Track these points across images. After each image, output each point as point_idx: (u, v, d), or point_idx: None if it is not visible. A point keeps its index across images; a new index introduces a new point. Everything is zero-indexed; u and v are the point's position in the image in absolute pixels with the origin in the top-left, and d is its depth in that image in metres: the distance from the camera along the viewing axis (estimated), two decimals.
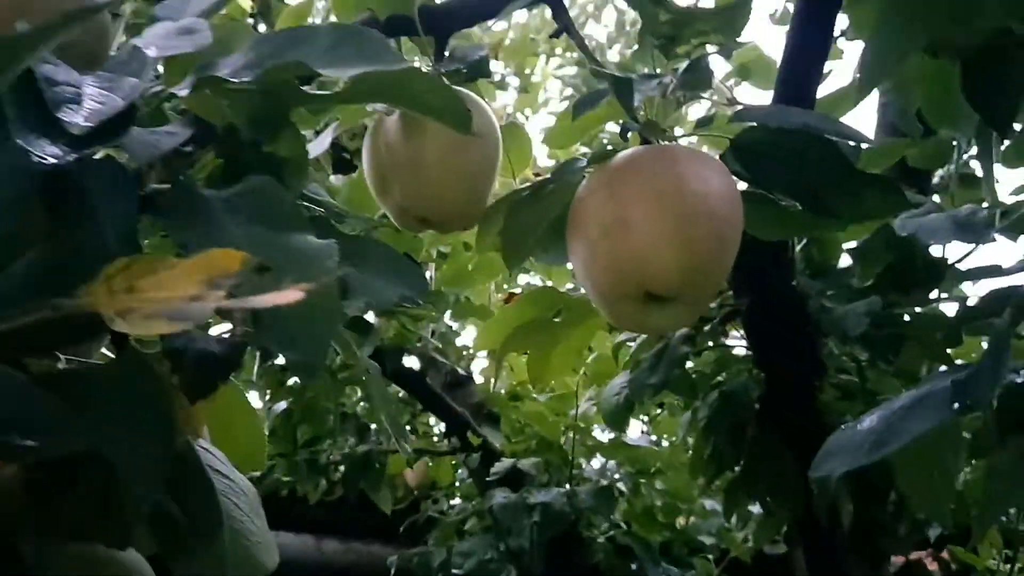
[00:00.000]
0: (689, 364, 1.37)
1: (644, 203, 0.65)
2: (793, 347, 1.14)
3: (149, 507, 0.36)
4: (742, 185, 0.76)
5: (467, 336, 2.11)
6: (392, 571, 1.70)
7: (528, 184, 0.73)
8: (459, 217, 0.77)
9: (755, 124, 0.74)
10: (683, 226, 0.64)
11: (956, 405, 0.54)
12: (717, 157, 0.73)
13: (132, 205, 0.43)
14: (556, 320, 0.99)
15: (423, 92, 0.54)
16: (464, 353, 2.05)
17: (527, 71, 3.39)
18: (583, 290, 0.72)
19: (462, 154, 0.73)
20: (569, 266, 0.78)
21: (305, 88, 0.53)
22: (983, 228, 0.96)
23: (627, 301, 0.67)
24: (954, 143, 1.33)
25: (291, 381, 1.83)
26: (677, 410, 1.73)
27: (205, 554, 0.43)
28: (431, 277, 2.04)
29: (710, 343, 1.32)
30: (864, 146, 0.98)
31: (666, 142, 0.72)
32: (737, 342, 1.39)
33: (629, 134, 0.72)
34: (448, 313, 1.92)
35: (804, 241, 1.18)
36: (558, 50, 3.45)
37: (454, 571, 1.52)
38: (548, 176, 0.71)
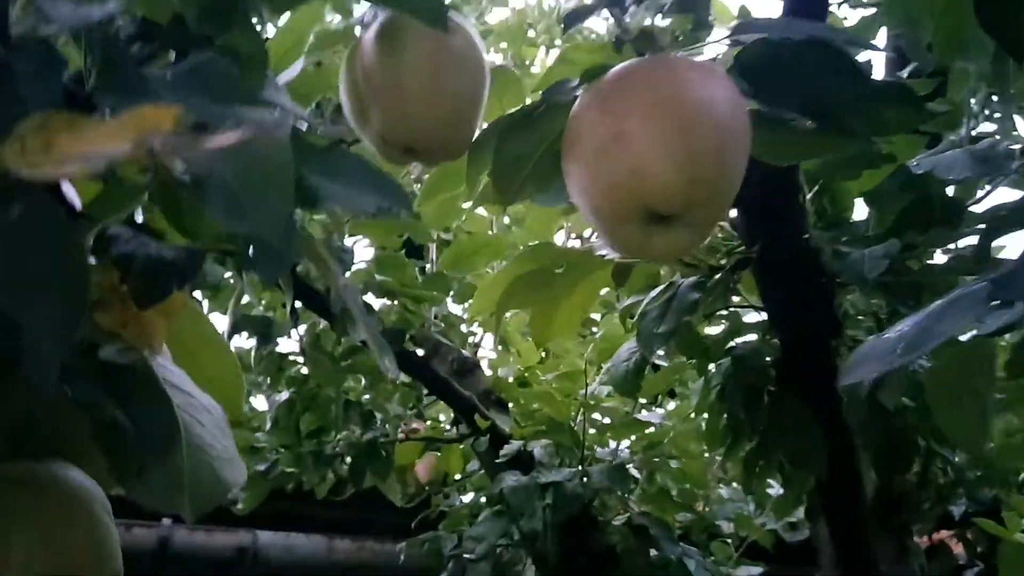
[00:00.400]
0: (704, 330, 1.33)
1: (641, 114, 0.60)
2: (808, 301, 1.09)
3: (55, 374, 0.31)
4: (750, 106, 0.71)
5: (474, 324, 2.06)
6: (402, 559, 1.65)
7: (517, 108, 0.68)
8: (445, 145, 0.72)
9: (760, 38, 0.69)
10: (685, 136, 0.59)
11: (994, 302, 0.49)
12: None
13: (57, 91, 0.39)
14: (558, 273, 0.95)
15: None
16: (470, 340, 2.00)
17: (527, 62, 3.34)
18: (584, 217, 0.67)
19: (445, 75, 0.68)
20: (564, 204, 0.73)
21: None
22: (1003, 161, 0.91)
23: (629, 224, 0.62)
24: (971, 100, 1.28)
25: (292, 371, 1.79)
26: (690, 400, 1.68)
27: (160, 470, 0.39)
28: (433, 260, 2.01)
29: (722, 309, 1.28)
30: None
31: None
32: (748, 310, 1.35)
33: (623, 47, 0.67)
34: (451, 299, 1.88)
35: (815, 190, 1.13)
36: (558, 41, 3.40)
37: (466, 555, 1.47)
38: (538, 99, 0.67)
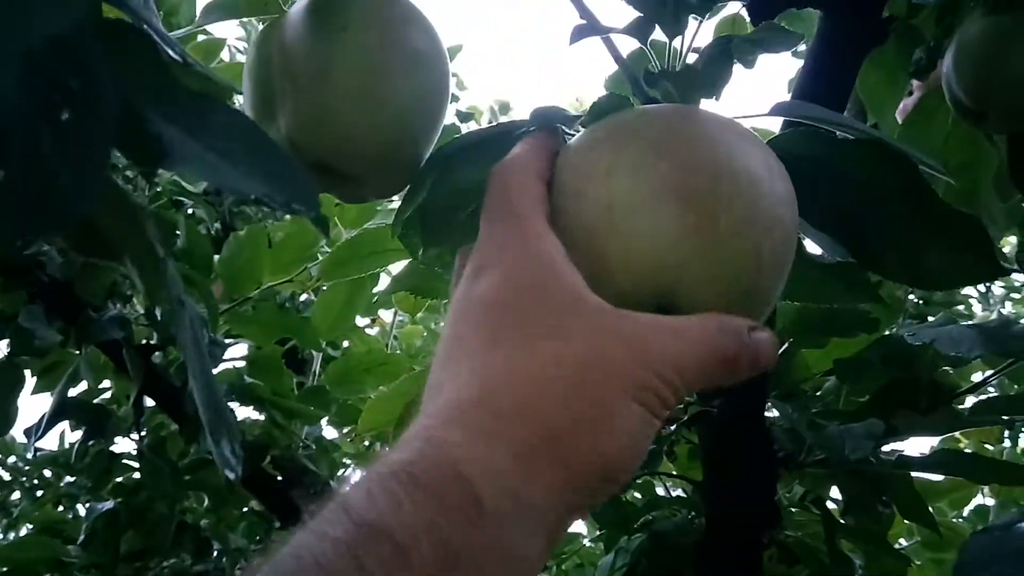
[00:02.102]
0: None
1: (664, 175, 0.42)
2: (752, 478, 0.92)
3: None
4: None
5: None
6: None
7: (480, 128, 0.49)
8: (378, 168, 0.51)
9: (800, 125, 0.53)
10: (710, 212, 0.41)
11: None
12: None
13: None
14: None
15: None
16: (340, 472, 1.76)
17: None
18: None
19: (393, 72, 0.49)
20: None
21: None
22: (1021, 340, 0.77)
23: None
24: None
25: (123, 476, 1.51)
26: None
27: None
28: (315, 374, 1.78)
29: (648, 474, 1.10)
30: None
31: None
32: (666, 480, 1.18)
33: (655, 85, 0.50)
34: (327, 420, 1.66)
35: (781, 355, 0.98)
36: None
37: None
38: (513, 120, 0.48)
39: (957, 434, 1.52)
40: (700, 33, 0.58)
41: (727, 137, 0.45)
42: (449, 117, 2.28)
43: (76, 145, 0.24)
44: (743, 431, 0.87)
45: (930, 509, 1.02)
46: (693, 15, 0.52)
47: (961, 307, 2.02)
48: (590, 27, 0.48)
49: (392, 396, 0.81)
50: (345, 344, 1.97)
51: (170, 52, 0.34)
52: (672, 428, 0.85)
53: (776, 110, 0.54)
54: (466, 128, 2.27)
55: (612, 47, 0.57)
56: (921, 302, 1.71)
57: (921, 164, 0.51)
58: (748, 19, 0.80)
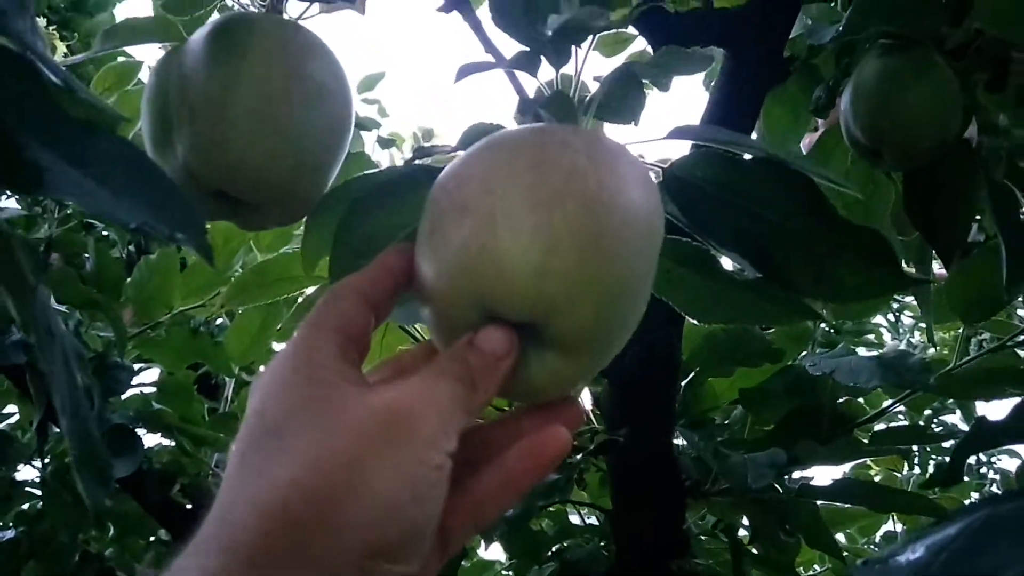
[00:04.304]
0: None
1: (497, 182, 0.41)
2: (660, 507, 0.93)
3: None
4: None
5: None
6: None
7: (380, 170, 0.49)
8: (273, 198, 0.50)
9: (698, 150, 0.55)
10: (539, 211, 0.40)
11: None
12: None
13: None
14: None
15: None
16: None
17: None
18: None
19: (291, 100, 0.48)
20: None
21: None
22: (918, 374, 0.80)
23: (466, 329, 0.42)
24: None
25: (25, 504, 1.46)
26: None
27: None
28: (228, 400, 1.74)
29: (558, 502, 1.10)
30: None
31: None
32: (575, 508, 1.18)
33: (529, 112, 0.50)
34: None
35: (687, 384, 0.99)
36: None
37: None
38: (417, 163, 0.48)
39: (869, 460, 1.56)
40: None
41: (577, 141, 0.45)
42: (369, 145, 2.27)
43: None
44: (650, 460, 0.88)
45: (837, 536, 1.04)
46: (574, 44, 0.52)
47: (871, 336, 2.07)
48: (475, 65, 0.49)
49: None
50: (261, 369, 1.93)
51: (53, 78, 0.33)
52: (579, 457, 0.85)
53: (675, 133, 0.55)
54: (387, 155, 2.26)
55: (514, 79, 0.58)
56: (832, 331, 1.75)
57: (823, 179, 0.53)
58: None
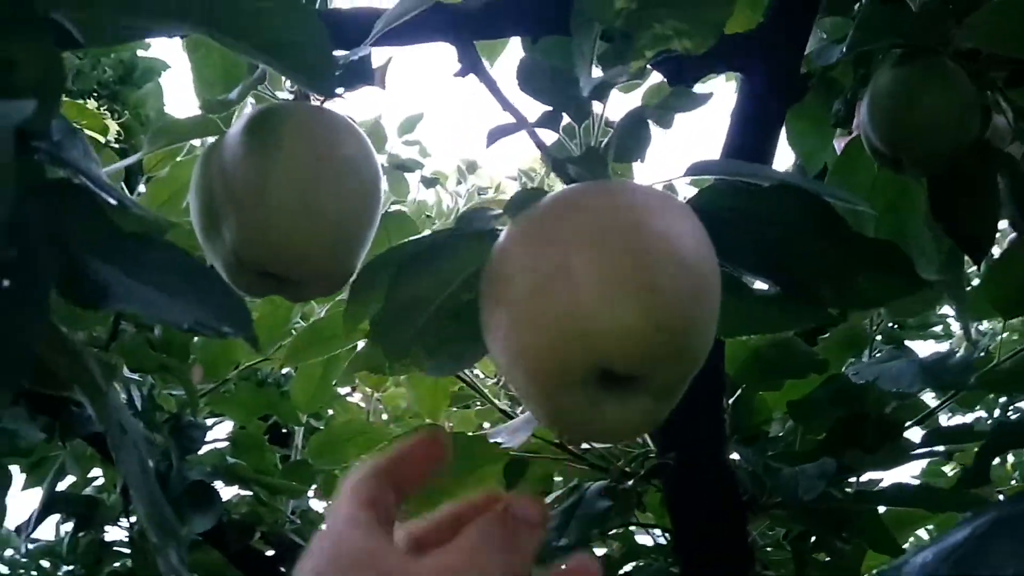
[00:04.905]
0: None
1: (588, 243, 0.45)
2: (721, 525, 0.95)
3: None
4: None
5: None
6: None
7: (419, 237, 0.53)
8: (316, 274, 0.55)
9: (718, 180, 0.58)
10: (646, 271, 0.44)
11: None
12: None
13: None
14: None
15: (266, 14, 0.35)
16: None
17: None
18: (511, 386, 0.50)
19: (325, 185, 0.53)
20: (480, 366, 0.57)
21: None
22: (959, 375, 0.81)
23: (573, 389, 0.46)
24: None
25: (116, 564, 1.52)
26: None
27: None
28: (298, 448, 1.79)
29: (621, 526, 1.12)
30: None
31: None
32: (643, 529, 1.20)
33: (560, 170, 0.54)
34: (312, 492, 1.67)
35: (733, 399, 1.01)
36: None
37: None
38: (451, 227, 0.52)
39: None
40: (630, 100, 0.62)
41: (648, 201, 0.49)
42: (413, 185, 2.32)
43: (15, 306, 0.28)
44: (704, 477, 0.90)
45: (919, 533, 1.04)
46: (600, 100, 0.55)
47: (938, 327, 2.05)
48: (502, 128, 0.53)
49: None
50: (330, 413, 1.99)
51: (107, 198, 0.37)
52: (630, 483, 0.87)
53: (691, 170, 0.58)
54: (432, 193, 2.31)
55: (534, 135, 0.61)
56: (896, 326, 1.74)
57: (838, 200, 0.56)
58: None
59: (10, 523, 1.36)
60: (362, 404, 2.14)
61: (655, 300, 0.44)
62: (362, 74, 0.57)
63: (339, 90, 0.56)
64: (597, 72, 0.58)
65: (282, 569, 1.56)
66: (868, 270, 0.54)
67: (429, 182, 2.28)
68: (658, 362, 0.45)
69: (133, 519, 1.52)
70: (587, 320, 0.44)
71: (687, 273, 0.45)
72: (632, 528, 1.22)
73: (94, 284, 0.34)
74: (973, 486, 0.72)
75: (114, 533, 1.58)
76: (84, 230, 0.35)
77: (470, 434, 0.83)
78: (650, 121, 0.67)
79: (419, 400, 1.07)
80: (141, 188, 1.32)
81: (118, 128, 1.42)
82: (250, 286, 0.56)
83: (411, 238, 0.54)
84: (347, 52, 0.55)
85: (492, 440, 0.82)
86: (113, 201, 0.38)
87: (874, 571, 1.38)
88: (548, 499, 0.90)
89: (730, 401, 1.00)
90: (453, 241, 0.52)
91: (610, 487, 0.83)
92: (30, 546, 1.96)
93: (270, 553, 1.55)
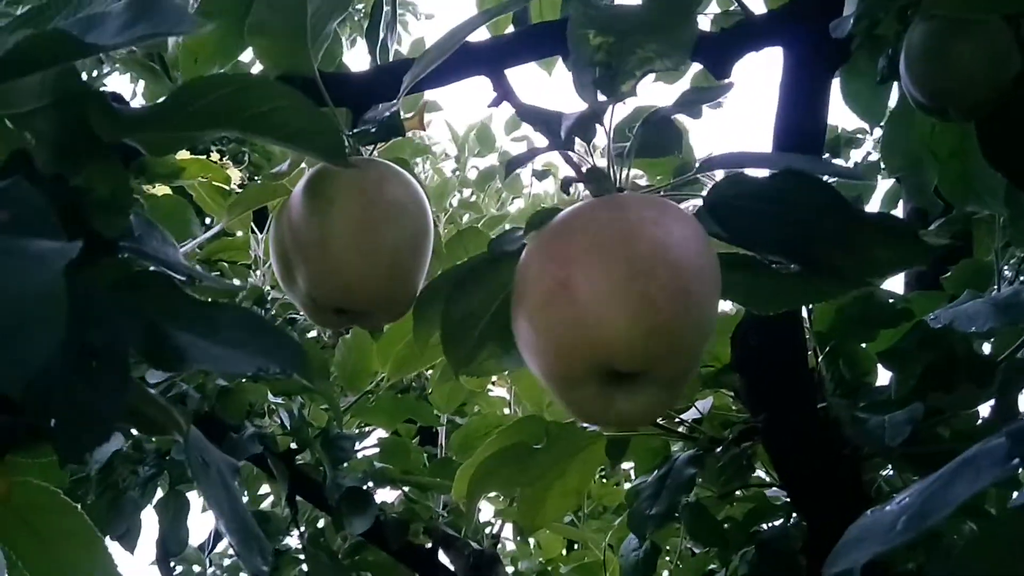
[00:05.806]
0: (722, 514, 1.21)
1: (587, 258, 0.52)
2: (830, 477, 0.98)
3: None
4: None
5: (487, 511, 1.95)
6: None
7: (463, 262, 0.61)
8: (379, 305, 0.64)
9: (729, 174, 0.63)
10: (637, 278, 0.51)
11: (1014, 460, 0.40)
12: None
13: None
14: (538, 449, 0.85)
15: (280, 111, 0.44)
16: (487, 531, 1.88)
17: None
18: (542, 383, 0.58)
19: (376, 228, 0.61)
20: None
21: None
22: None
23: (585, 385, 0.53)
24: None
25: (293, 570, 1.67)
26: None
27: None
28: (442, 446, 1.90)
29: (739, 488, 1.16)
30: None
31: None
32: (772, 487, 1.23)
33: (572, 189, 0.60)
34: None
35: (828, 354, 1.04)
36: None
37: None
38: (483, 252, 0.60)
39: None
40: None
41: (645, 212, 0.55)
42: (526, 178, 2.39)
43: (103, 380, 0.37)
44: (799, 435, 0.93)
45: None
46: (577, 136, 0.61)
47: None
48: (519, 159, 0.60)
49: (470, 463, 0.91)
50: (476, 409, 2.10)
51: (180, 278, 0.46)
52: (719, 449, 0.92)
53: (705, 166, 0.64)
54: (542, 185, 2.38)
55: (567, 157, 0.68)
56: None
57: (841, 176, 0.60)
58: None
59: (193, 542, 1.51)
60: (506, 395, 2.24)
61: (647, 307, 0.50)
62: (393, 128, 0.65)
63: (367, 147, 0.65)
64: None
65: (445, 559, 1.67)
66: (880, 240, 0.58)
67: (541, 175, 2.35)
68: (656, 360, 0.51)
69: (303, 528, 1.66)
70: (588, 328, 0.50)
71: (678, 278, 0.51)
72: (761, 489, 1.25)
73: (174, 350, 0.43)
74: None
75: (290, 541, 1.73)
76: (163, 306, 0.44)
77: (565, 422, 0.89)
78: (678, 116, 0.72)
79: (523, 392, 1.14)
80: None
81: (240, 172, 1.55)
82: (328, 321, 0.65)
83: (456, 264, 0.62)
84: (388, 104, 0.63)
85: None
86: (184, 278, 0.47)
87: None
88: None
89: (820, 359, 1.03)
90: (490, 262, 0.60)
91: (697, 456, 0.88)
92: (225, 561, 2.15)
93: (429, 545, 1.66)
